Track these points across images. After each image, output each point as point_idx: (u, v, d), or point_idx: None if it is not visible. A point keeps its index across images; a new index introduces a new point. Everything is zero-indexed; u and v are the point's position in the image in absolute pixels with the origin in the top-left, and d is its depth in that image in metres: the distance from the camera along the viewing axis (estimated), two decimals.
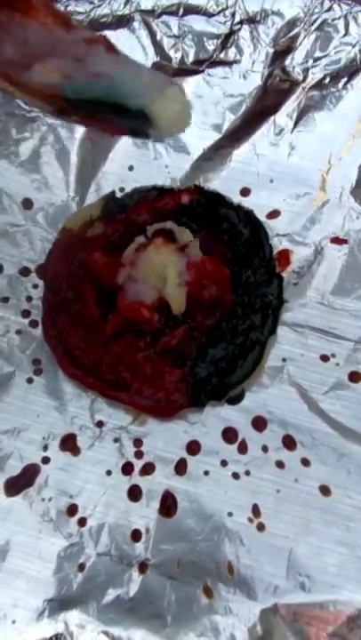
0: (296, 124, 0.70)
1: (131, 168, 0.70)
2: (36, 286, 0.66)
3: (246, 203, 0.68)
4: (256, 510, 0.58)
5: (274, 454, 0.59)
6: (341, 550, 0.56)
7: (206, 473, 0.59)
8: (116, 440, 0.60)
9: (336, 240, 0.66)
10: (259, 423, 0.61)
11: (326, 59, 0.70)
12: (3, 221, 0.68)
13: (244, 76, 0.71)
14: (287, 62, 0.71)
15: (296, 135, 0.70)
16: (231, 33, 0.71)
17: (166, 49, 0.72)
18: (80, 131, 0.71)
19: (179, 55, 0.71)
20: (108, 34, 0.71)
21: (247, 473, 0.59)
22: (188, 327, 0.62)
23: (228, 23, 0.71)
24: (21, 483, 0.59)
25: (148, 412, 0.61)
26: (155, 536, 0.57)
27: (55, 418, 0.61)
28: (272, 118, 0.70)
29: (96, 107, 0.48)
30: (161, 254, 0.61)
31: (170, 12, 0.72)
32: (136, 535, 0.57)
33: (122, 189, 0.69)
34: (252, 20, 0.71)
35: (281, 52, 0.71)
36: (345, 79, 0.70)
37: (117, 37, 0.72)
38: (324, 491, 0.58)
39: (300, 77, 0.70)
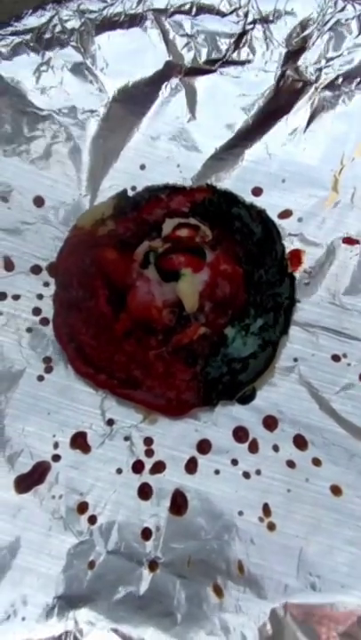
0: (308, 123, 0.70)
1: (143, 167, 0.70)
2: (47, 284, 0.66)
3: (258, 202, 0.68)
4: (267, 509, 0.58)
5: (285, 454, 0.59)
6: (352, 550, 0.56)
7: (217, 472, 0.59)
8: (127, 438, 0.60)
9: (348, 240, 0.66)
10: (270, 422, 0.60)
11: (339, 59, 0.70)
12: (14, 219, 0.68)
13: (256, 76, 0.71)
14: (300, 62, 0.70)
15: (308, 135, 0.70)
16: (244, 32, 0.71)
17: (179, 48, 0.71)
18: (92, 129, 0.71)
19: (191, 54, 0.71)
20: (121, 32, 0.72)
21: (258, 472, 0.59)
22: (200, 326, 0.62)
23: (241, 23, 0.71)
24: (32, 480, 0.59)
25: (159, 410, 0.61)
26: (165, 534, 0.57)
27: (66, 416, 0.61)
28: (285, 118, 0.70)
29: None
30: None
31: (182, 11, 0.71)
32: (146, 533, 0.57)
33: (134, 188, 0.69)
34: (265, 20, 0.71)
35: (294, 52, 0.71)
36: (358, 79, 0.70)
37: (130, 36, 0.72)
38: (335, 491, 0.58)
39: (313, 77, 0.70)
